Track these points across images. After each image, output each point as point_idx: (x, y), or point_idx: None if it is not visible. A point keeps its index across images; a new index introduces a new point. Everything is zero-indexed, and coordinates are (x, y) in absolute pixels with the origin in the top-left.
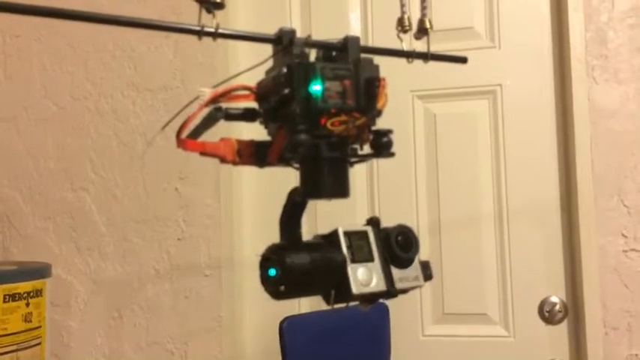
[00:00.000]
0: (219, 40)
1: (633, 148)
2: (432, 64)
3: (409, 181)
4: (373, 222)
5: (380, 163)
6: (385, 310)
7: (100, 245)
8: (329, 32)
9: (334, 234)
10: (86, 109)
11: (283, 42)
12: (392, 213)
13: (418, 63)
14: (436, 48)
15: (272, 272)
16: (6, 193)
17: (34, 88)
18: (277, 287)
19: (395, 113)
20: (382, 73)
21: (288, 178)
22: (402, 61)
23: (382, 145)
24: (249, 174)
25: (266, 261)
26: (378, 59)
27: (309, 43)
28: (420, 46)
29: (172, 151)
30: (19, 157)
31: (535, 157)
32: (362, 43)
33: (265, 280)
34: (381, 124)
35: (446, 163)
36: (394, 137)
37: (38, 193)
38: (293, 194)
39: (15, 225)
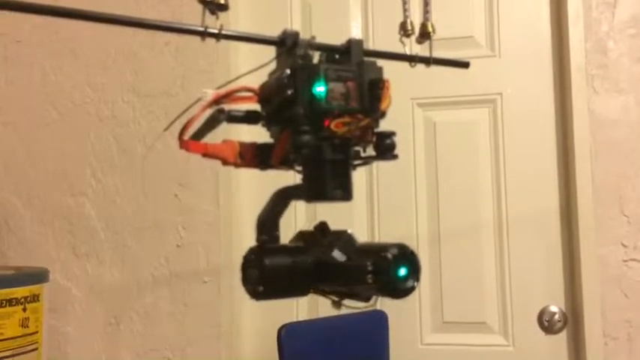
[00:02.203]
0: (220, 47)
1: (633, 157)
2: (433, 72)
3: (409, 190)
4: (326, 227)
5: (380, 171)
6: (384, 318)
7: (99, 251)
8: (330, 39)
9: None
10: (87, 115)
11: (287, 44)
12: (391, 221)
13: (418, 71)
14: (437, 54)
15: (406, 272)
16: (5, 197)
17: (35, 93)
18: (413, 284)
19: (395, 121)
20: None
21: (287, 183)
22: (402, 69)
23: (385, 147)
24: (248, 180)
25: (399, 260)
26: None
27: (313, 45)
28: (422, 51)
29: (172, 157)
30: (18, 162)
31: (535, 166)
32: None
33: (401, 282)
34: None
35: (446, 172)
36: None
37: (37, 197)
38: (282, 194)
39: (13, 229)
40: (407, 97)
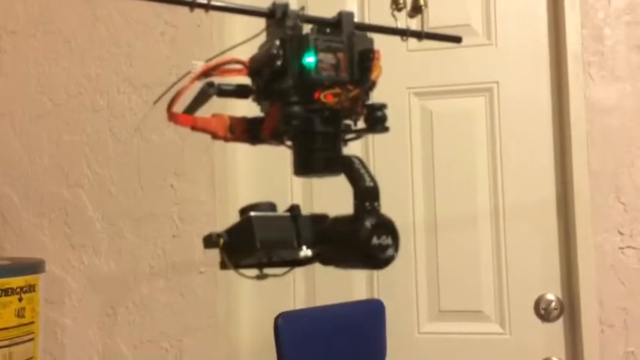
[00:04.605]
0: (216, 35)
1: (629, 145)
2: (429, 61)
3: (405, 179)
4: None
5: (376, 160)
6: (381, 307)
7: (95, 242)
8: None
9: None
10: (82, 106)
11: (276, 15)
12: (387, 210)
13: (415, 60)
14: (433, 44)
15: None
16: (0, 189)
17: (30, 84)
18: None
19: (391, 110)
20: None
21: (284, 174)
22: (398, 58)
23: (376, 120)
24: (244, 170)
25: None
26: None
27: (303, 17)
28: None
29: (168, 147)
30: (14, 154)
31: (531, 155)
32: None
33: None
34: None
35: (442, 161)
36: (390, 133)
37: (33, 189)
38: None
39: (9, 221)
40: (403, 86)
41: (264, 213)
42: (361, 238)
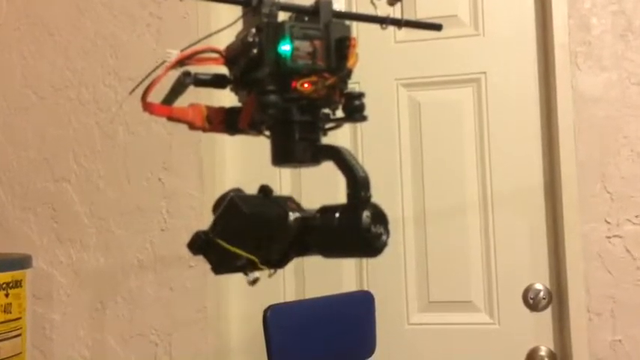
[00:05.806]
0: (202, 28)
1: (616, 134)
2: (417, 53)
3: (394, 170)
4: (266, 190)
5: (364, 151)
6: (371, 299)
7: (83, 236)
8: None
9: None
10: (67, 99)
11: (252, 3)
12: (377, 201)
13: (403, 51)
14: (420, 35)
15: None
16: None
17: (14, 77)
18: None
19: (379, 102)
20: (367, 62)
21: (273, 168)
22: (386, 50)
23: (354, 108)
24: (233, 164)
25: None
26: (362, 50)
27: (279, 5)
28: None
29: (155, 141)
30: None
31: (519, 145)
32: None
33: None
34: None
35: (430, 152)
36: (378, 125)
37: (18, 183)
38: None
39: None
40: (391, 77)
41: (241, 193)
42: (362, 227)
